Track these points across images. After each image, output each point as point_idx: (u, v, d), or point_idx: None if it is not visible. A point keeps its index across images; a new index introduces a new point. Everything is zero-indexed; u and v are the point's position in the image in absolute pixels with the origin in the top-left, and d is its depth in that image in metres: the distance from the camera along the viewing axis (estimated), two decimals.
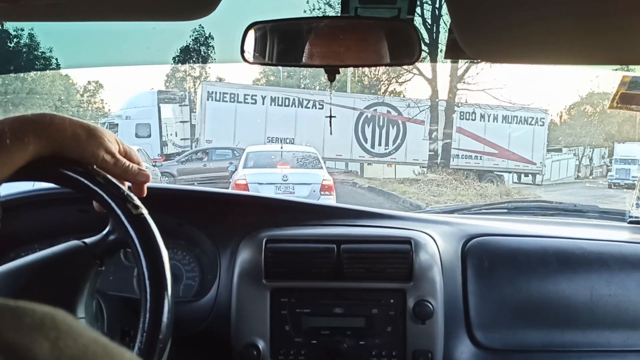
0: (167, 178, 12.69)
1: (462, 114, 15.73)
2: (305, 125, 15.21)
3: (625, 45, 0.80)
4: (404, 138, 15.63)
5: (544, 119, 16.13)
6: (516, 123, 15.90)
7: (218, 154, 13.77)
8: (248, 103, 15.36)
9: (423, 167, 15.54)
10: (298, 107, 15.54)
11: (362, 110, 15.65)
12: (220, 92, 15.25)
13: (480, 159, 15.78)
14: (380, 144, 15.70)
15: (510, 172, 15.89)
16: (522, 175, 16.18)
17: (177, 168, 13.35)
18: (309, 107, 15.58)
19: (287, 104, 15.58)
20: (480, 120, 15.71)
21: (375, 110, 15.75)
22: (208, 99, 15.08)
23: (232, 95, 15.28)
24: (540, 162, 16.21)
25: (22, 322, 0.28)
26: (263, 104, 15.43)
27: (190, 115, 15.48)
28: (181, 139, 15.81)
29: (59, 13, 0.86)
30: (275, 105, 15.51)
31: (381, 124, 15.72)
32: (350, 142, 15.25)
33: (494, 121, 15.75)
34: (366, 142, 15.62)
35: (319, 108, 15.48)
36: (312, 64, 1.01)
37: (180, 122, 15.44)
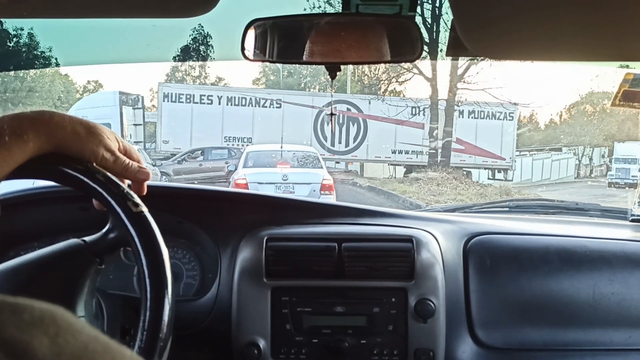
0: (164, 177, 12.72)
1: (424, 110, 15.62)
2: (263, 125, 15.25)
3: (628, 41, 0.80)
4: (365, 136, 15.59)
5: (512, 113, 15.97)
6: (482, 118, 15.73)
7: (214, 154, 13.85)
8: (204, 103, 15.44)
9: (392, 164, 15.60)
10: (255, 106, 15.60)
11: (321, 108, 15.61)
12: (176, 93, 15.37)
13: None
14: (340, 142, 15.66)
15: (478, 169, 15.79)
16: (496, 171, 16.03)
17: (173, 168, 13.40)
18: (266, 107, 15.63)
19: (243, 103, 15.61)
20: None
21: (335, 107, 15.71)
22: (164, 100, 15.18)
23: (188, 96, 15.39)
24: (510, 158, 16.04)
25: (22, 318, 0.27)
26: (219, 104, 15.50)
27: (144, 118, 15.40)
28: (134, 142, 15.82)
29: (58, 9, 0.86)
30: (231, 105, 15.56)
31: (341, 121, 15.67)
32: (310, 141, 15.18)
33: (459, 116, 15.62)
34: (326, 141, 15.58)
35: (277, 107, 15.56)
36: (313, 61, 1.01)
37: (133, 124, 15.41)
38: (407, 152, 15.78)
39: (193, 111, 15.21)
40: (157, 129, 15.26)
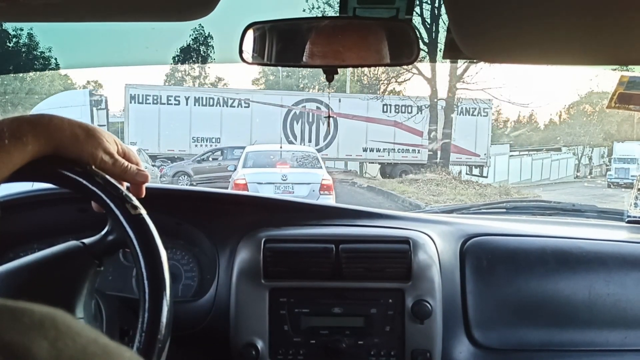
0: (185, 177, 12.87)
1: (397, 107, 15.63)
2: (231, 124, 15.25)
3: (623, 45, 0.80)
4: (336, 134, 15.55)
5: (487, 109, 15.94)
6: (456, 114, 15.69)
7: (234, 154, 13.86)
8: (171, 104, 15.43)
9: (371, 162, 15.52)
10: (223, 106, 15.58)
11: (290, 107, 15.62)
12: (142, 95, 15.31)
13: (419, 152, 15.70)
14: (310, 141, 15.64)
15: (452, 165, 15.65)
16: (473, 167, 16.01)
17: (193, 167, 13.45)
18: (234, 106, 15.62)
19: (211, 103, 15.62)
20: (418, 113, 15.56)
21: (304, 106, 15.70)
22: (131, 102, 15.13)
23: (155, 97, 15.36)
24: (485, 154, 16.02)
25: (21, 322, 0.28)
26: (187, 104, 15.49)
27: (107, 119, 15.15)
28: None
29: (58, 13, 0.86)
30: (199, 105, 15.55)
31: (310, 120, 15.67)
32: (279, 139, 15.03)
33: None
34: (295, 140, 15.58)
35: (245, 107, 15.55)
36: (312, 64, 1.01)
37: (97, 125, 15.31)
38: (378, 150, 15.76)
39: (160, 112, 15.15)
40: (124, 130, 15.16)
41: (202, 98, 15.66)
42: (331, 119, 14.09)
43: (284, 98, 16.01)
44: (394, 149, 15.60)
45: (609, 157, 19.11)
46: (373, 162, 16.14)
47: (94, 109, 14.44)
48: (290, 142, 15.27)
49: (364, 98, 15.94)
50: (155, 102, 15.32)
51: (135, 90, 15.34)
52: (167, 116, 15.09)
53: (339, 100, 15.56)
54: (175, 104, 15.44)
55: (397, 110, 15.59)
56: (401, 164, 15.58)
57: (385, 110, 15.57)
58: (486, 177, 15.67)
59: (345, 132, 15.38)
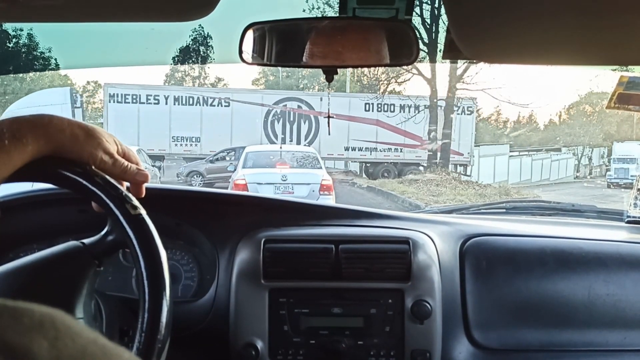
0: (198, 176, 12.94)
1: (379, 106, 15.56)
2: (211, 124, 15.19)
3: (622, 45, 0.80)
4: (317, 133, 15.51)
5: (471, 107, 15.89)
6: (412, 112, 15.61)
7: None
8: (150, 103, 15.37)
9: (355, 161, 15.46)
10: (203, 105, 15.54)
11: (271, 107, 15.58)
12: (121, 94, 15.23)
13: (401, 151, 15.65)
14: (291, 140, 15.60)
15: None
16: (458, 166, 15.91)
17: (206, 167, 13.50)
18: (214, 105, 15.58)
19: (191, 102, 15.58)
20: (401, 112, 15.53)
21: (285, 105, 15.66)
22: (110, 101, 15.07)
23: (134, 96, 15.29)
24: (468, 153, 15.96)
25: (21, 322, 0.28)
26: (166, 103, 15.45)
27: (83, 118, 15.03)
28: None
29: (58, 13, 0.86)
30: (179, 104, 15.50)
31: (292, 119, 15.63)
32: (260, 139, 15.13)
33: (415, 111, 15.52)
34: (276, 138, 15.55)
35: (225, 106, 15.52)
36: (312, 64, 1.01)
37: None
38: (360, 149, 15.70)
39: (140, 111, 15.09)
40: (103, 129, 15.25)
41: (181, 97, 15.62)
42: (312, 117, 14.03)
43: (264, 97, 15.97)
44: (376, 148, 15.55)
45: (608, 158, 19.11)
46: (355, 161, 16.06)
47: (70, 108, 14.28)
48: (271, 141, 15.27)
49: (346, 96, 15.86)
50: (134, 101, 15.26)
51: (114, 90, 15.28)
52: (146, 115, 15.02)
53: (320, 99, 15.51)
54: (154, 103, 15.39)
55: (379, 109, 15.56)
56: (382, 164, 15.54)
57: (367, 109, 15.50)
58: (469, 176, 15.61)
59: (326, 131, 15.34)
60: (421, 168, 15.29)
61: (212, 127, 15.14)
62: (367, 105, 15.47)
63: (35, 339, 0.27)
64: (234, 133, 14.99)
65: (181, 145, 15.27)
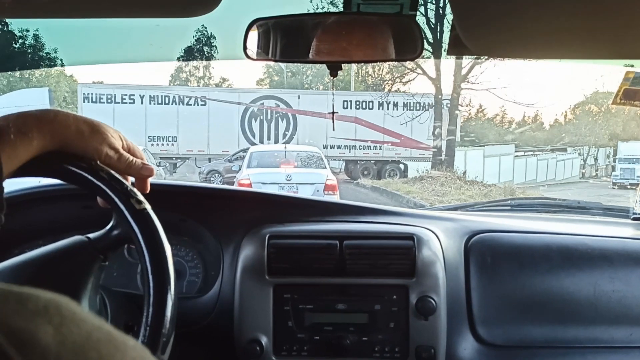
0: (216, 175, 13.11)
1: (357, 103, 15.48)
2: (188, 123, 15.12)
3: (629, 39, 0.80)
4: (295, 130, 15.44)
5: (449, 104, 15.66)
6: (418, 110, 15.52)
7: None
8: (126, 103, 15.25)
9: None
10: (179, 104, 15.46)
11: (248, 105, 15.50)
12: (96, 94, 15.16)
13: (380, 149, 15.55)
14: (269, 138, 15.54)
15: (415, 161, 15.53)
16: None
17: (224, 166, 13.56)
18: (190, 104, 15.50)
19: (167, 102, 15.48)
20: (379, 109, 15.42)
21: (262, 104, 15.59)
22: (84, 102, 14.97)
23: (109, 96, 15.19)
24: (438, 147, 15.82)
25: (26, 308, 0.28)
26: (142, 103, 15.32)
27: None
28: None
29: (61, 9, 0.87)
30: (154, 103, 15.39)
31: (269, 117, 15.56)
32: (237, 137, 15.06)
33: (393, 109, 15.45)
34: (254, 137, 15.48)
35: (202, 104, 15.43)
36: (319, 60, 1.01)
37: None
38: (339, 147, 15.63)
39: (115, 111, 14.94)
40: None
41: (157, 96, 15.51)
42: (290, 115, 13.89)
43: (241, 95, 15.87)
44: (355, 146, 15.47)
45: (614, 157, 19.02)
46: (335, 160, 15.99)
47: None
48: (249, 140, 15.22)
49: (323, 94, 15.76)
50: (109, 101, 15.16)
51: (88, 90, 15.22)
52: (121, 115, 14.80)
53: (298, 97, 15.48)
54: (130, 103, 15.28)
55: (357, 107, 15.49)
56: (362, 162, 15.49)
57: (345, 106, 15.41)
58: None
59: (304, 129, 15.30)
60: (401, 166, 15.30)
61: (189, 127, 15.07)
62: (345, 103, 15.39)
63: (40, 325, 0.27)
64: (211, 132, 14.94)
65: (158, 144, 15.15)
